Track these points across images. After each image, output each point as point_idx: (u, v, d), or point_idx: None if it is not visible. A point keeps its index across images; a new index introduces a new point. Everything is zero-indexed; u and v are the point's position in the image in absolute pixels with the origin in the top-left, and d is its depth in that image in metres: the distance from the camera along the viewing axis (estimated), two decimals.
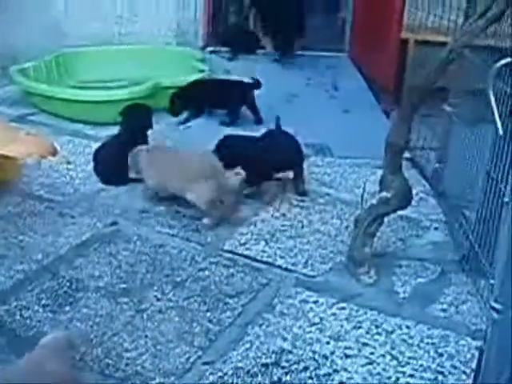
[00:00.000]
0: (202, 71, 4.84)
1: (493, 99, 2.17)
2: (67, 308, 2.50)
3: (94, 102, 4.27)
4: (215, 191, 3.05)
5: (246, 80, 4.47)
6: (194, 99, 4.29)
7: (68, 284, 2.65)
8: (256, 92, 4.48)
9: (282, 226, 3.14)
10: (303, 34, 5.95)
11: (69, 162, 3.70)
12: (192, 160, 3.18)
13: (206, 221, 3.12)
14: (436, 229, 3.18)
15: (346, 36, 6.42)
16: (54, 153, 3.37)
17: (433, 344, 2.37)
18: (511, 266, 1.67)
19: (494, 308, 1.75)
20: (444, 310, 2.57)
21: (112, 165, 3.52)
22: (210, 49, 5.79)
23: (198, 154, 3.26)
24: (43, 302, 2.54)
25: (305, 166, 3.77)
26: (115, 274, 2.72)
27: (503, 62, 2.21)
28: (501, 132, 2.28)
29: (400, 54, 4.86)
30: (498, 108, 2.17)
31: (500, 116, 2.19)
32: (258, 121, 4.36)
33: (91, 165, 3.65)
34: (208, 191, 3.04)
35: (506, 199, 2.41)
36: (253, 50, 6.02)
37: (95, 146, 3.78)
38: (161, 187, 3.25)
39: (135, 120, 3.66)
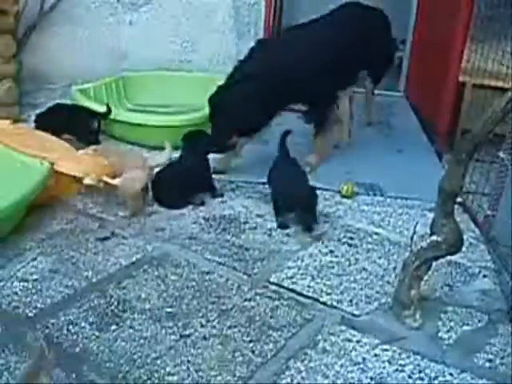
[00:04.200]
0: None
1: None
2: (113, 327, 2.55)
3: (152, 127, 4.35)
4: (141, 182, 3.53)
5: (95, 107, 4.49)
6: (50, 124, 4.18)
7: (115, 303, 2.70)
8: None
9: (330, 262, 3.14)
10: None
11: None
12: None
13: (121, 213, 3.48)
14: (484, 276, 3.14)
15: (402, 75, 6.42)
16: (111, 173, 3.49)
17: None
18: None
19: None
20: (489, 361, 2.52)
21: (173, 189, 3.61)
22: None
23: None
24: (90, 319, 2.60)
25: (355, 203, 3.80)
26: (162, 297, 2.76)
27: None
28: None
29: (456, 97, 4.83)
30: None
31: None
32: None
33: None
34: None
35: None
36: None
37: None
38: None
39: (196, 145, 3.76)
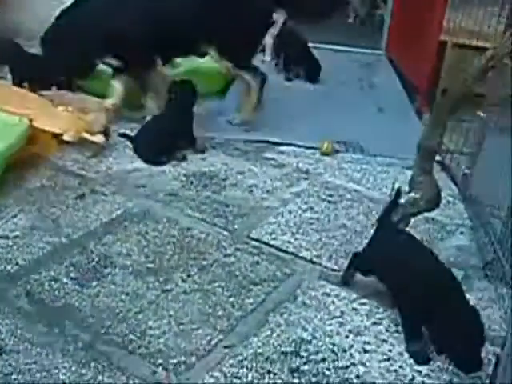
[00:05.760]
0: None
1: None
2: (94, 283, 2.57)
3: None
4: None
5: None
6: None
7: (96, 259, 2.72)
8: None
9: (309, 218, 3.17)
10: None
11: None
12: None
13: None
14: (461, 233, 3.19)
15: (383, 34, 6.39)
16: (91, 131, 3.47)
17: None
18: None
19: None
20: None
21: (155, 144, 3.63)
22: None
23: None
24: (72, 274, 2.61)
25: (334, 161, 3.82)
26: (143, 253, 2.78)
27: None
28: None
29: (437, 56, 4.83)
30: None
31: None
32: None
33: (124, 144, 3.74)
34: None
35: None
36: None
37: (130, 126, 3.89)
38: None
39: (182, 95, 3.74)
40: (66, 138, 3.43)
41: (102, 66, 4.04)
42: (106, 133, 3.65)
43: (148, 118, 3.94)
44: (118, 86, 3.89)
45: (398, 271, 2.41)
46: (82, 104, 3.80)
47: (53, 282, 2.55)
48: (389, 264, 2.47)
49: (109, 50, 3.88)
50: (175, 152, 3.67)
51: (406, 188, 2.85)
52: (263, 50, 5.44)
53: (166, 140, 3.63)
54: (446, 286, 2.31)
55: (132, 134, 3.75)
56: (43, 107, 3.60)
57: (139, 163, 3.59)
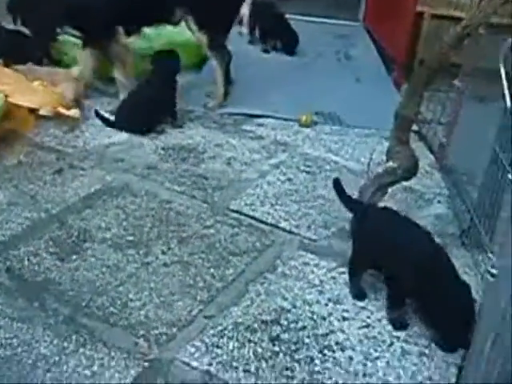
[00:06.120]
0: None
1: (503, 73, 2.21)
2: (74, 257, 2.57)
3: None
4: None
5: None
6: None
7: (76, 234, 2.71)
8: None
9: (288, 189, 3.18)
10: None
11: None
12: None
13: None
14: (439, 202, 3.22)
15: (361, 4, 6.38)
16: (67, 105, 3.45)
17: None
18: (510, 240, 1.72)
19: (490, 273, 1.83)
20: None
21: (137, 113, 3.62)
22: None
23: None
24: (51, 249, 2.60)
25: (313, 132, 3.83)
26: (122, 226, 2.78)
27: None
28: (509, 105, 2.32)
29: (414, 27, 4.84)
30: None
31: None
32: None
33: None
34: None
35: (510, 176, 2.48)
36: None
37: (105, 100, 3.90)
38: None
39: (166, 65, 3.72)
40: (42, 112, 3.40)
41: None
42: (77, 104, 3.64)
43: (121, 92, 3.92)
44: (84, 56, 3.87)
45: (384, 244, 2.38)
46: (52, 76, 3.79)
47: (32, 257, 2.55)
48: (375, 238, 2.43)
49: (66, 20, 3.77)
50: (155, 125, 3.65)
51: (384, 158, 2.87)
52: (240, 22, 5.42)
53: (149, 110, 3.62)
54: (435, 260, 2.29)
55: (107, 108, 3.76)
56: (19, 82, 3.56)
57: (117, 137, 3.58)
